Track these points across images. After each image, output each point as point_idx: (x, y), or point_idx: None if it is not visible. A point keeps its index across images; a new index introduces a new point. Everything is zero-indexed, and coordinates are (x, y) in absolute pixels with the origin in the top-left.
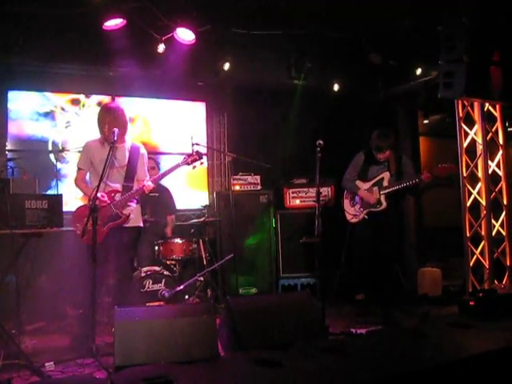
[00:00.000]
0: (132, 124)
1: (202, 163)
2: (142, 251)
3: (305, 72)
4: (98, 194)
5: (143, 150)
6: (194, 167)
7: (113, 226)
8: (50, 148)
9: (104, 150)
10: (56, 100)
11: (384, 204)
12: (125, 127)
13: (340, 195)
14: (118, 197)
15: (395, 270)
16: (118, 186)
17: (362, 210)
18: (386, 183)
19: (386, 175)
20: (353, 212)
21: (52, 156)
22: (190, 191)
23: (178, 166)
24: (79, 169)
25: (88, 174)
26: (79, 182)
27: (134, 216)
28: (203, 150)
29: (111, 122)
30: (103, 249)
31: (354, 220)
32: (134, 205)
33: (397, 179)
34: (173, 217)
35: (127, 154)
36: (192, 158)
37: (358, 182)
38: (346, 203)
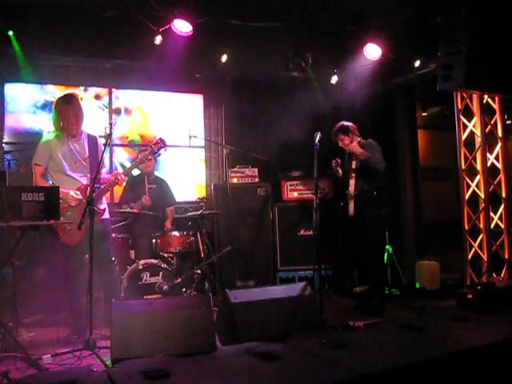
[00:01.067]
0: (129, 116)
1: (165, 150)
2: (139, 244)
3: (302, 64)
4: (72, 193)
5: (100, 140)
6: (159, 155)
7: (90, 222)
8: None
9: (64, 144)
10: (53, 92)
11: (352, 183)
12: (83, 118)
13: (337, 188)
14: (88, 191)
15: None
16: (85, 179)
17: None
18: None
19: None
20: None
21: None
22: (188, 184)
23: (146, 156)
24: (37, 165)
25: (44, 171)
26: (39, 178)
27: (106, 208)
28: (201, 142)
29: (75, 113)
30: (82, 247)
31: (350, 212)
32: (103, 199)
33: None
34: (172, 208)
35: (86, 146)
36: (157, 146)
37: None
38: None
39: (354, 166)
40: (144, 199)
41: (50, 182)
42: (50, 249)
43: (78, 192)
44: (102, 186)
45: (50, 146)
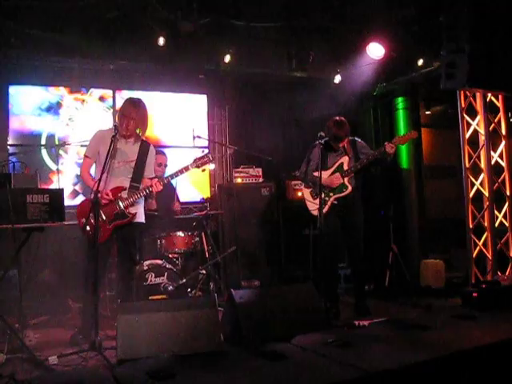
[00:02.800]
0: None
1: (210, 165)
2: (143, 245)
3: (305, 64)
4: (105, 192)
5: (152, 148)
6: (203, 170)
7: (118, 224)
8: (44, 142)
9: (117, 142)
10: (58, 94)
11: (349, 187)
12: (146, 125)
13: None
14: (124, 194)
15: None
16: (123, 180)
17: (327, 198)
18: (346, 167)
19: (345, 159)
20: (317, 203)
21: (49, 151)
22: (192, 184)
23: (187, 168)
24: (86, 157)
25: (94, 165)
26: (84, 171)
27: (138, 211)
28: (205, 143)
29: (136, 117)
30: (108, 246)
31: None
32: (140, 201)
33: (356, 161)
34: (177, 204)
35: (137, 150)
36: (202, 161)
37: (316, 173)
38: (307, 195)
39: (346, 167)
40: (149, 203)
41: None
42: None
43: (109, 192)
44: (137, 192)
45: (101, 138)
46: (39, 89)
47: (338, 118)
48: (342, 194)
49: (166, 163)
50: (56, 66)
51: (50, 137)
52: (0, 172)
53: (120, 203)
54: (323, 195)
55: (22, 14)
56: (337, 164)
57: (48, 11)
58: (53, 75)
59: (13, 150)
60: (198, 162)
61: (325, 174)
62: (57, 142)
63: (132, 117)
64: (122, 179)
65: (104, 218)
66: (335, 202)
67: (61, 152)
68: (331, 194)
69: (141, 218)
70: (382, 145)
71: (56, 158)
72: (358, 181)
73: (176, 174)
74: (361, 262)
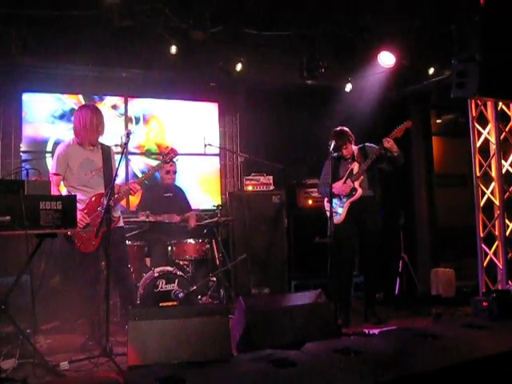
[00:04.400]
0: (146, 125)
1: (177, 159)
2: (155, 251)
3: (317, 72)
4: (79, 215)
5: (113, 150)
6: (172, 165)
7: (106, 229)
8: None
9: (83, 152)
10: (71, 102)
11: (359, 190)
12: (103, 130)
13: None
14: (104, 200)
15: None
16: (99, 189)
17: (342, 205)
18: (355, 172)
19: (355, 165)
20: (338, 211)
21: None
22: (203, 192)
23: (158, 165)
24: (55, 175)
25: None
26: (53, 189)
27: (120, 216)
28: (216, 150)
29: (101, 122)
30: (98, 255)
31: (339, 219)
32: (118, 207)
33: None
34: (192, 213)
35: (101, 156)
36: (169, 156)
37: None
38: (326, 203)
39: (356, 171)
40: (169, 216)
41: (65, 192)
42: (68, 256)
43: (93, 199)
44: (116, 196)
45: (68, 153)
46: (52, 96)
47: (338, 128)
48: (353, 198)
49: (174, 170)
50: (69, 73)
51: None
52: (13, 178)
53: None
54: (339, 204)
55: (35, 22)
56: (348, 172)
57: (61, 20)
58: (66, 83)
59: (26, 157)
60: (166, 158)
61: (338, 184)
62: None
63: (96, 124)
64: (97, 188)
65: (92, 228)
66: (350, 206)
67: None
68: (345, 200)
69: (122, 222)
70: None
71: None
72: (375, 188)
73: (148, 175)
74: (375, 270)
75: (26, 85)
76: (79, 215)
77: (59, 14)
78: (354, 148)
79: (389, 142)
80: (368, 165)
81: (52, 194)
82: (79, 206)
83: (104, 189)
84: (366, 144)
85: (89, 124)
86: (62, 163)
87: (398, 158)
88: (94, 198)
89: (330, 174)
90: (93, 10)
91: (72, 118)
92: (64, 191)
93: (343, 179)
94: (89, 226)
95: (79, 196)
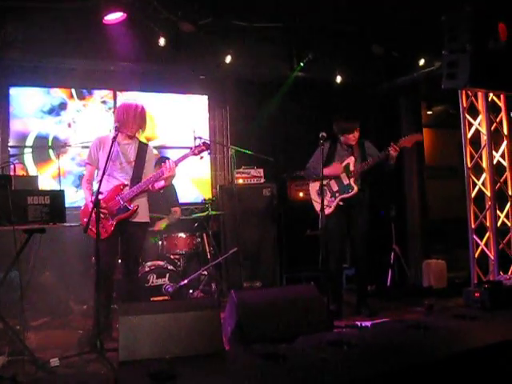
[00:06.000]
0: None
1: (209, 153)
2: (145, 246)
3: (306, 64)
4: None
5: (151, 147)
6: (202, 158)
7: (121, 218)
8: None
9: (118, 145)
10: (59, 97)
11: (355, 188)
12: (145, 126)
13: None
14: (125, 190)
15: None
16: (124, 181)
17: (333, 199)
18: (352, 167)
19: (351, 160)
20: (324, 203)
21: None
22: (193, 185)
23: (186, 155)
24: (87, 164)
25: (96, 171)
26: (84, 180)
27: (142, 210)
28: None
29: (143, 119)
30: (112, 242)
31: (327, 211)
32: (142, 199)
33: (362, 162)
34: (177, 209)
35: (136, 151)
36: (199, 149)
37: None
38: (314, 195)
39: (352, 167)
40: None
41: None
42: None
43: (114, 188)
44: (140, 184)
45: (101, 144)
46: (40, 90)
47: (345, 112)
48: (348, 195)
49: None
50: (57, 67)
51: (52, 139)
52: (0, 173)
53: (121, 199)
54: (330, 195)
55: (22, 14)
56: (343, 164)
57: (48, 12)
58: (53, 76)
59: (14, 152)
60: (195, 150)
61: (329, 168)
62: (57, 144)
63: (135, 119)
64: (122, 180)
65: (107, 213)
66: (341, 203)
67: (62, 154)
68: (337, 195)
69: (145, 217)
70: (386, 147)
71: (57, 160)
72: (366, 182)
73: (180, 160)
74: (364, 262)
75: (12, 79)
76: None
77: (46, 6)
78: (358, 135)
79: (395, 151)
80: (366, 167)
81: (83, 183)
82: (101, 196)
83: (130, 181)
84: (366, 141)
85: (132, 118)
86: (95, 153)
87: (391, 167)
88: (114, 188)
89: (321, 165)
90: (81, 1)
91: (114, 111)
92: (95, 183)
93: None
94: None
95: (103, 187)
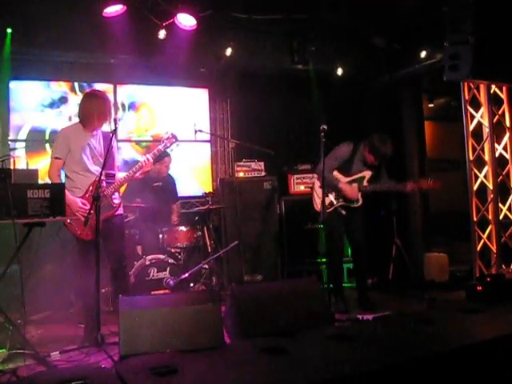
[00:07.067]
0: (136, 113)
1: (177, 145)
2: (146, 239)
3: (308, 56)
4: (79, 203)
5: (111, 135)
6: (172, 150)
7: (108, 216)
8: (47, 137)
9: (86, 137)
10: (59, 90)
11: (361, 201)
12: (110, 115)
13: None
14: (104, 185)
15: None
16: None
17: (336, 201)
18: (365, 183)
19: (368, 174)
20: (326, 201)
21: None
22: (194, 179)
23: (159, 150)
24: (55, 158)
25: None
26: (54, 173)
27: (121, 203)
28: (206, 137)
29: (109, 109)
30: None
31: (329, 209)
32: (117, 194)
33: (374, 180)
34: (178, 203)
35: (102, 141)
36: (170, 142)
37: (337, 174)
38: (318, 188)
39: (366, 183)
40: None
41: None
42: (65, 244)
43: (91, 187)
44: (124, 177)
45: (69, 136)
46: (40, 84)
47: (383, 134)
48: (351, 205)
49: (168, 164)
50: (56, 60)
51: (53, 132)
52: (0, 167)
53: (104, 197)
54: (334, 196)
55: (21, 8)
56: (359, 174)
57: (48, 5)
58: (53, 70)
59: (14, 146)
60: (167, 143)
61: (345, 178)
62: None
63: (101, 110)
64: (96, 173)
65: (93, 215)
66: (342, 211)
67: None
68: (341, 200)
69: (122, 209)
70: (405, 181)
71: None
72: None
73: (155, 155)
74: (363, 256)
75: (12, 72)
76: (79, 203)
77: None
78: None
79: (412, 190)
80: (378, 189)
81: (53, 178)
82: (78, 192)
83: (105, 174)
84: (383, 166)
85: (96, 110)
86: (64, 147)
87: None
88: (91, 188)
89: (323, 164)
90: None
91: (78, 103)
92: (62, 177)
93: (352, 177)
94: (90, 214)
95: (80, 182)
